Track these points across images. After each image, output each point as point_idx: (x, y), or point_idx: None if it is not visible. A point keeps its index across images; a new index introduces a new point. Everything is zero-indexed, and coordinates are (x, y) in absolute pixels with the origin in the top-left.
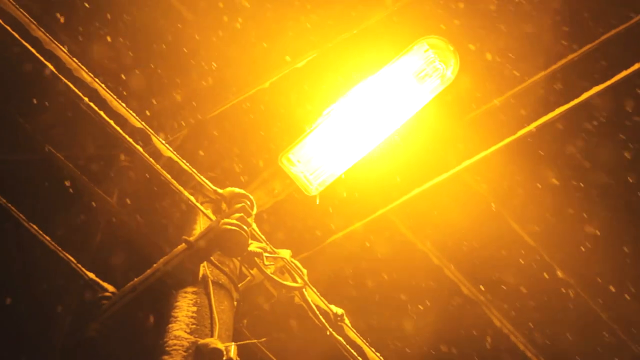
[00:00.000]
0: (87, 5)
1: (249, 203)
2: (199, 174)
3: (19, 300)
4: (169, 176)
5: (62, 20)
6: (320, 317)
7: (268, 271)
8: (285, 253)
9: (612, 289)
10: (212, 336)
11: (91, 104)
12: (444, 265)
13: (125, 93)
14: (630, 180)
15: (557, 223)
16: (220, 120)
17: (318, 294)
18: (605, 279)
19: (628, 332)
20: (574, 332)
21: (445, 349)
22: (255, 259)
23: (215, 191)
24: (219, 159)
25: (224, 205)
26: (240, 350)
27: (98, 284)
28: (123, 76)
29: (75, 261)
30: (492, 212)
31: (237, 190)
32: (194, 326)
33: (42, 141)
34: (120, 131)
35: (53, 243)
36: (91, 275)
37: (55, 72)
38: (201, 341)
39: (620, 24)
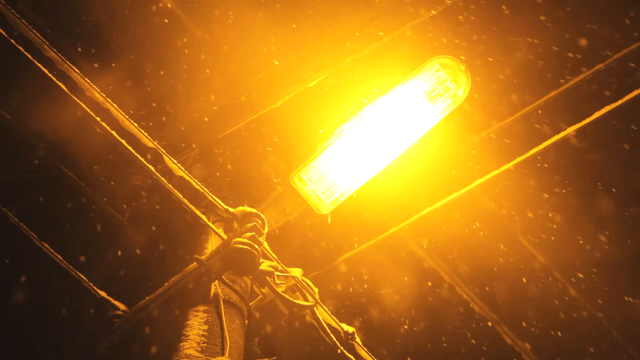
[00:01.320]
0: (99, 25)
1: (260, 222)
2: (210, 193)
3: (31, 319)
4: (180, 195)
5: (75, 41)
6: (332, 335)
7: (279, 290)
8: (297, 272)
9: (623, 304)
10: (223, 355)
11: (103, 123)
12: (455, 283)
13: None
14: None
15: (569, 241)
16: (232, 139)
17: (329, 312)
18: (616, 295)
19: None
20: (589, 350)
21: None
22: (267, 277)
23: (226, 210)
24: (231, 178)
25: (235, 224)
26: None
27: (109, 302)
28: (134, 96)
29: (87, 280)
30: (504, 230)
31: (248, 209)
32: (205, 345)
33: (55, 160)
34: (133, 151)
35: (65, 262)
36: (103, 293)
37: (68, 92)
38: None
39: (631, 44)
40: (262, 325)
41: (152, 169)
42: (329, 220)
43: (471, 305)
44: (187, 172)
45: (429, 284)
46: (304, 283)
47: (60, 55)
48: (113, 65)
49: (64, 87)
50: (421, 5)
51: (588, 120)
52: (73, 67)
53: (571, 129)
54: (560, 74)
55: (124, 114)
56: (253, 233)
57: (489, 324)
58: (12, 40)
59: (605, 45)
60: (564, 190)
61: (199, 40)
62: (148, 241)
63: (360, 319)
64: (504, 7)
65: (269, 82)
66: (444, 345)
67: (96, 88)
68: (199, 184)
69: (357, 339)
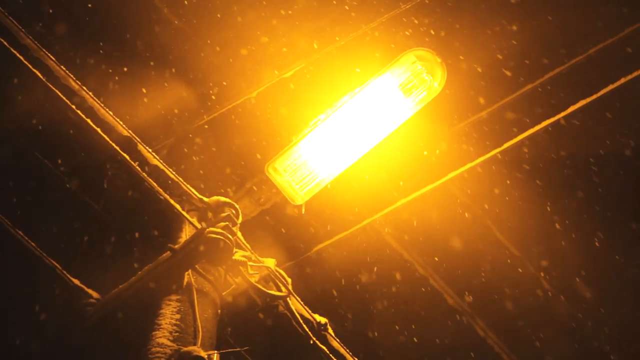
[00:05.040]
0: (77, 13)
1: (234, 212)
2: (185, 183)
3: (3, 307)
4: (155, 184)
5: (52, 27)
6: (304, 326)
7: (252, 280)
8: (270, 262)
9: (595, 296)
10: (195, 344)
11: (78, 111)
12: (428, 274)
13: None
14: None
15: (542, 233)
16: (207, 129)
17: (302, 303)
18: (588, 287)
19: (613, 341)
20: (558, 341)
21: (429, 358)
22: (240, 267)
23: (201, 200)
24: (205, 168)
25: (209, 214)
26: (224, 359)
27: (83, 290)
28: (111, 84)
29: (60, 267)
30: (477, 222)
31: (222, 199)
32: (177, 334)
33: (29, 147)
34: (107, 139)
35: (38, 249)
36: (76, 281)
37: (43, 79)
38: (184, 349)
39: (607, 39)
40: (235, 315)
41: (127, 157)
42: (303, 210)
43: (444, 297)
44: (161, 161)
45: (402, 274)
46: (277, 273)
47: (36, 42)
48: (90, 52)
49: (39, 74)
50: None
51: (562, 114)
52: (49, 54)
53: (545, 123)
54: (541, 66)
55: (99, 101)
56: (227, 223)
57: (462, 316)
58: None
59: (584, 38)
60: (538, 182)
61: (175, 29)
62: (122, 229)
63: (332, 310)
64: None
65: (244, 72)
66: (416, 335)
67: (72, 76)
68: (174, 173)
69: (330, 330)
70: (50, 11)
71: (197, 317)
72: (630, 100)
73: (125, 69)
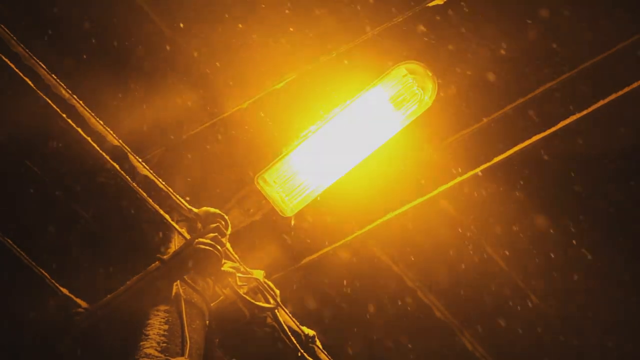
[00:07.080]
0: (68, 21)
1: (223, 223)
2: (174, 193)
3: None
4: (144, 194)
5: (43, 36)
6: (292, 338)
7: (241, 291)
8: (259, 273)
9: (585, 317)
10: (183, 355)
11: (69, 120)
12: (417, 288)
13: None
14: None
15: (531, 248)
16: (198, 139)
17: (290, 315)
18: (579, 307)
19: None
20: (548, 355)
21: None
22: (229, 278)
23: (190, 210)
24: (195, 178)
25: (199, 225)
26: None
27: (71, 299)
28: (102, 93)
29: (49, 276)
30: (467, 236)
31: (212, 209)
32: (165, 345)
33: (20, 156)
34: (98, 148)
35: (27, 258)
36: (64, 290)
37: (34, 87)
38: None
39: (600, 53)
40: (223, 326)
41: (117, 167)
42: (293, 222)
43: (433, 311)
44: (151, 171)
45: (391, 288)
46: (265, 285)
47: (27, 50)
48: (82, 61)
49: (30, 82)
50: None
51: (552, 129)
52: (40, 63)
53: (536, 138)
54: (527, 81)
55: (90, 111)
56: (216, 234)
57: (450, 330)
58: None
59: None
60: (530, 196)
61: (166, 39)
62: (111, 239)
63: (320, 322)
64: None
65: (236, 83)
66: (404, 348)
67: (62, 84)
68: (163, 183)
69: (318, 342)
70: (41, 19)
71: (185, 327)
72: None
73: (117, 79)
